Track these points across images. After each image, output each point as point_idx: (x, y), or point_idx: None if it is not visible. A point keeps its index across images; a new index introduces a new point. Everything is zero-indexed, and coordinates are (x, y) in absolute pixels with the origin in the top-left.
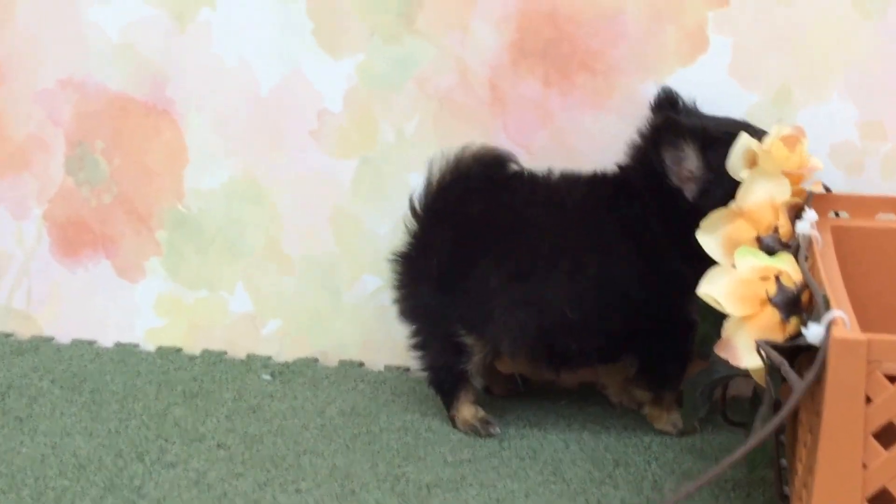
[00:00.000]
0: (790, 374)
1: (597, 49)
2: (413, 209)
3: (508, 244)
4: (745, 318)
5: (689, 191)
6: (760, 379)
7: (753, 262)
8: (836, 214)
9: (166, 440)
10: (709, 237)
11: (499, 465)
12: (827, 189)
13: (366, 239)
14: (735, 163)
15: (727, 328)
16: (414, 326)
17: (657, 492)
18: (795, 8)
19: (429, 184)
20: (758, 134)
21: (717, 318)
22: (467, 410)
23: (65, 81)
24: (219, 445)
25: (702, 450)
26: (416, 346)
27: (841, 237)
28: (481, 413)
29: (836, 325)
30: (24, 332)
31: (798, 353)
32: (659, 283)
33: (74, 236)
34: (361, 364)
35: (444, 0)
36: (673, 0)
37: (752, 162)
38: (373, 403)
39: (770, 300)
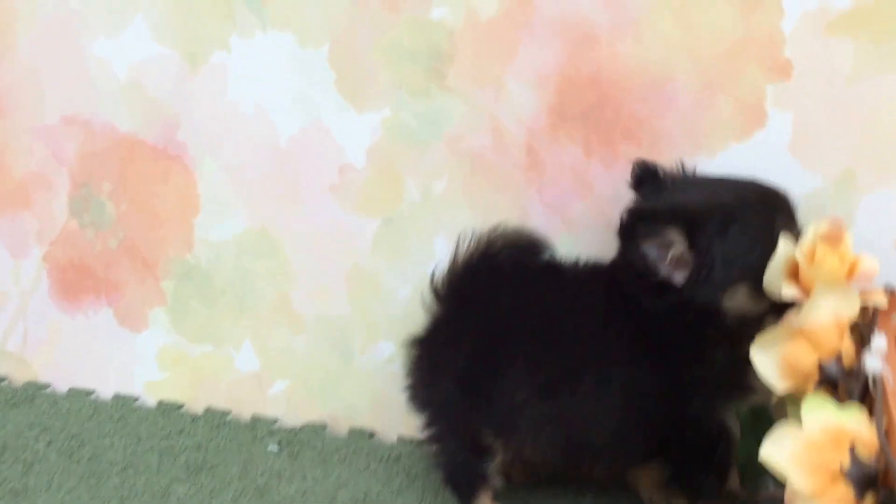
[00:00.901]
0: None
1: (643, 117)
2: (435, 289)
3: (538, 349)
4: (813, 495)
5: (679, 278)
6: None
7: (825, 419)
8: None
9: None
10: (763, 356)
11: None
12: (893, 291)
13: (383, 302)
14: (772, 282)
15: (792, 500)
16: (430, 418)
17: None
18: (864, 84)
19: (454, 263)
20: (767, 200)
21: (760, 434)
22: None
23: (69, 118)
24: None
25: None
26: (431, 439)
27: None
28: None
29: None
30: (18, 376)
31: None
32: (678, 391)
33: (76, 280)
34: (372, 435)
35: (477, 55)
36: (728, 70)
37: (793, 272)
38: (386, 489)
39: (844, 474)
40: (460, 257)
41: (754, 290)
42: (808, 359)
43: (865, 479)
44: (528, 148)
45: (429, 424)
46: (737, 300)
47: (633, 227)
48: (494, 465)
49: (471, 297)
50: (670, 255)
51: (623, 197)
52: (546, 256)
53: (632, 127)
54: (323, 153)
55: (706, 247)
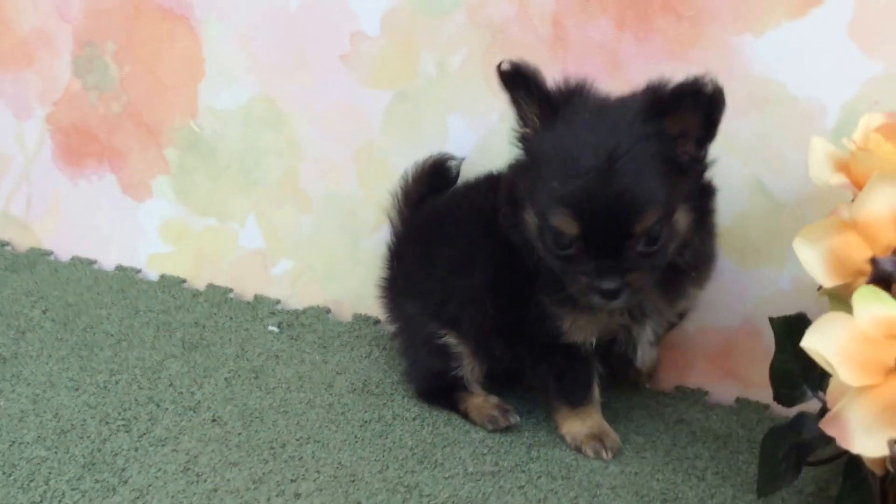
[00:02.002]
0: None
1: None
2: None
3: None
4: (862, 390)
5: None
6: (875, 466)
7: (879, 311)
8: None
9: (157, 405)
10: (808, 248)
11: (526, 483)
12: None
13: (393, 182)
14: (818, 170)
15: (836, 396)
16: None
17: None
18: None
19: (406, 183)
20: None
21: (796, 348)
22: (477, 399)
23: None
24: (214, 420)
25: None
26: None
27: None
28: (494, 399)
29: None
30: (21, 242)
31: None
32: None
33: (79, 144)
34: (377, 321)
35: None
36: None
37: (843, 166)
38: (387, 379)
39: None
40: (411, 179)
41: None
42: (859, 253)
43: None
44: (554, 20)
45: (396, 335)
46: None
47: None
48: (466, 368)
49: (412, 212)
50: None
51: (654, 75)
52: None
53: (673, 1)
54: (335, 19)
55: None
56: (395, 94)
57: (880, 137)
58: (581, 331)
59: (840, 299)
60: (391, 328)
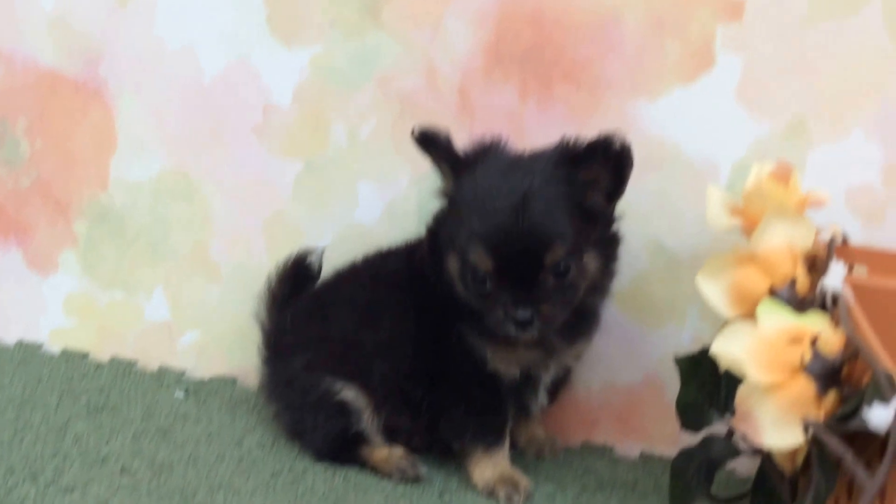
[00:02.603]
0: (856, 468)
1: (584, 59)
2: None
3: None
4: (770, 388)
5: None
6: (784, 461)
7: (780, 320)
8: (851, 268)
9: (64, 459)
10: (710, 283)
11: None
12: (844, 240)
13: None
14: (715, 216)
15: (745, 397)
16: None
17: None
18: (820, 30)
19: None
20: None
21: (701, 380)
22: (381, 451)
23: None
24: (123, 470)
25: None
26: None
27: (859, 297)
28: (399, 450)
29: None
30: None
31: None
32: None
33: None
34: None
35: None
36: (677, 9)
37: (736, 210)
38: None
39: (804, 368)
40: (275, 280)
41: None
42: (759, 285)
43: (828, 373)
44: (461, 90)
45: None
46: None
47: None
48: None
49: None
50: None
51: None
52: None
53: (572, 69)
54: (248, 92)
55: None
56: (305, 163)
57: (771, 182)
58: (502, 362)
59: None
60: (275, 409)
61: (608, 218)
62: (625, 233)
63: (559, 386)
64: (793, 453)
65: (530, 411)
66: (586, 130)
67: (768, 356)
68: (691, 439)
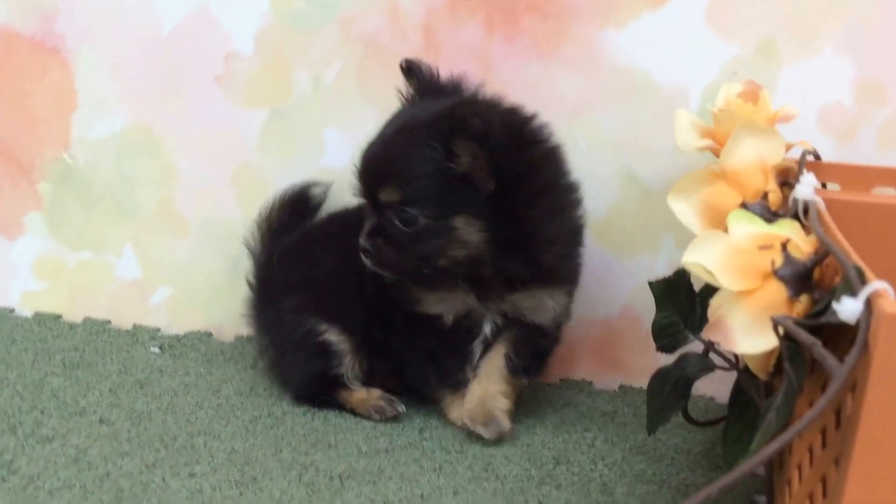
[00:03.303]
0: (826, 356)
1: None
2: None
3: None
4: (742, 294)
5: None
6: (758, 368)
7: (750, 228)
8: (824, 186)
9: (42, 412)
10: (681, 202)
11: (420, 457)
12: (816, 156)
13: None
14: (684, 137)
15: (718, 306)
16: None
17: (607, 495)
18: None
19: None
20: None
21: (675, 301)
22: (359, 394)
23: None
24: (101, 421)
25: (654, 450)
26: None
27: (833, 212)
28: (377, 391)
29: (882, 297)
30: None
31: (819, 335)
32: None
33: None
34: None
35: None
36: None
37: (706, 131)
38: (274, 385)
39: (775, 273)
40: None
41: None
42: (730, 201)
43: (800, 277)
44: (425, 28)
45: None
46: None
47: None
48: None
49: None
50: None
51: (525, 76)
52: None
53: (537, 1)
54: (209, 41)
55: None
56: (270, 111)
57: (739, 100)
58: (433, 304)
59: None
60: (260, 342)
61: (487, 191)
62: (595, 163)
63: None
64: (766, 358)
65: (473, 356)
66: (554, 63)
67: (739, 263)
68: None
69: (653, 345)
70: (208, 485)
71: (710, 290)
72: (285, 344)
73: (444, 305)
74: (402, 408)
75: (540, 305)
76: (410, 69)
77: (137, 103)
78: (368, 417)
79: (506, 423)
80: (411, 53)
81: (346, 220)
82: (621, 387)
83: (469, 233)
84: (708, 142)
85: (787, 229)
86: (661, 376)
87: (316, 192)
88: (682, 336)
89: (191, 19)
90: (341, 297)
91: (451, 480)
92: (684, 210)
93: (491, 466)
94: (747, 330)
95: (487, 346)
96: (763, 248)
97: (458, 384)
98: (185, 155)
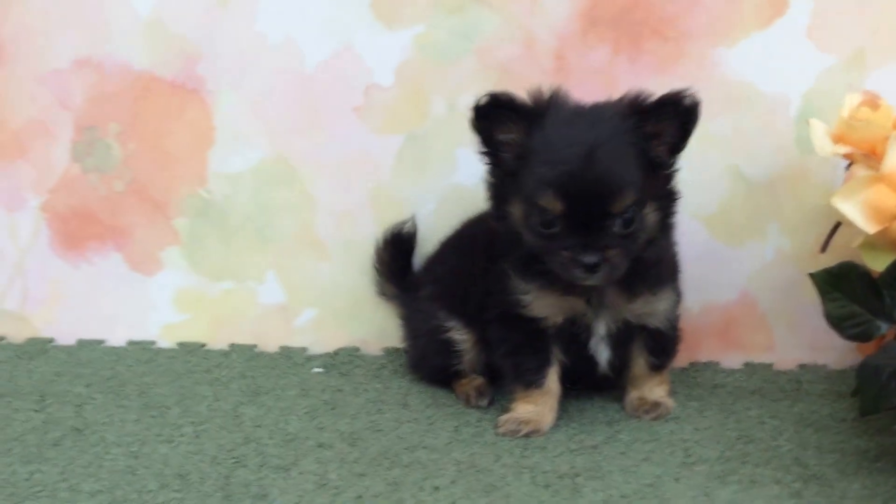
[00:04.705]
0: None
1: (671, 15)
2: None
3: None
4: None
5: None
6: None
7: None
8: None
9: (258, 442)
10: (847, 204)
11: (626, 450)
12: None
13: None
14: (821, 144)
15: None
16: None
17: (801, 467)
18: None
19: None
20: None
21: (847, 293)
22: (464, 380)
23: (82, 62)
24: (319, 445)
25: (817, 422)
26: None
27: None
28: (478, 381)
29: None
30: (17, 335)
31: None
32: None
33: (78, 228)
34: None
35: None
36: None
37: (837, 138)
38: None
39: None
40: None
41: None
42: (889, 200)
43: None
44: (556, 55)
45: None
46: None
47: None
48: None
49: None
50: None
51: (645, 89)
52: None
53: (660, 26)
54: (350, 76)
55: None
56: (406, 136)
57: (867, 109)
58: (544, 307)
59: (875, 248)
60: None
61: (670, 171)
62: (707, 164)
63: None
64: None
65: (594, 369)
66: (672, 79)
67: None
68: (788, 346)
69: (769, 324)
70: (459, 494)
71: (891, 281)
72: (418, 329)
73: (556, 308)
74: (485, 402)
75: (653, 309)
76: (495, 102)
77: (275, 136)
78: (459, 399)
79: (670, 403)
80: (543, 77)
81: (467, 227)
82: (746, 364)
83: (652, 218)
84: (848, 148)
85: None
86: (871, 363)
87: (407, 228)
88: (874, 325)
89: (335, 57)
90: (463, 295)
91: (663, 468)
92: (850, 210)
93: (691, 451)
94: None
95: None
96: None
97: (533, 384)
98: (322, 181)
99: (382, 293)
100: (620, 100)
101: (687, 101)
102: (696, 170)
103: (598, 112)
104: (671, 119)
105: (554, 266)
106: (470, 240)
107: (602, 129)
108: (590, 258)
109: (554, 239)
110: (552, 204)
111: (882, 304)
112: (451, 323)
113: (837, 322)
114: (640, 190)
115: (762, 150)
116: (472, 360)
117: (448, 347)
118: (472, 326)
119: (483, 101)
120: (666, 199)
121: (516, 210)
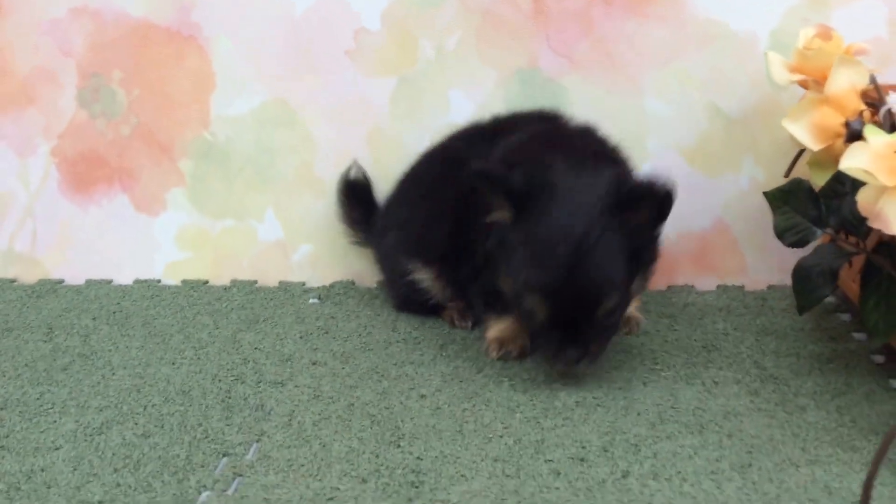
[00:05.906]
0: None
1: None
2: None
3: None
4: (894, 188)
5: None
6: None
7: (884, 139)
8: None
9: (255, 362)
10: (796, 125)
11: (611, 368)
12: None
13: (405, 158)
14: (778, 73)
15: (871, 202)
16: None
17: (760, 368)
18: None
19: None
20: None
21: (795, 206)
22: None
23: (78, 10)
24: (313, 363)
25: (777, 331)
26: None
27: None
28: (459, 305)
29: None
30: (28, 277)
31: None
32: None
33: (87, 171)
34: None
35: None
36: None
37: (793, 67)
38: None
39: None
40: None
41: None
42: (834, 120)
43: None
44: None
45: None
46: None
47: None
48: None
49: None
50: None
51: (622, 32)
52: None
53: None
54: (339, 20)
55: None
56: (398, 79)
57: (819, 41)
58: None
59: (820, 165)
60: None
61: (652, 244)
62: (686, 100)
63: None
64: None
65: None
66: (647, 20)
67: (886, 165)
68: (758, 269)
69: (742, 249)
70: (443, 401)
71: (828, 193)
72: (388, 269)
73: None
74: (468, 324)
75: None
76: (488, 176)
77: (273, 80)
78: (445, 322)
79: (640, 318)
80: (523, 20)
81: (432, 160)
82: (718, 286)
83: (637, 282)
84: (800, 76)
85: None
86: (804, 267)
87: (354, 173)
88: (810, 232)
89: (321, 1)
90: (429, 238)
91: (632, 374)
92: (798, 130)
93: (659, 359)
94: None
95: None
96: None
97: (504, 311)
98: (321, 123)
99: (354, 241)
100: (603, 187)
101: (661, 193)
102: (677, 106)
103: (582, 206)
104: (649, 208)
105: (538, 348)
106: (431, 181)
107: (588, 228)
108: (572, 353)
109: (539, 327)
110: (538, 307)
111: (820, 213)
112: (413, 265)
113: (782, 233)
114: (625, 283)
115: (737, 85)
116: (441, 294)
117: (417, 286)
118: (434, 265)
119: (473, 170)
120: (648, 264)
121: (506, 284)
